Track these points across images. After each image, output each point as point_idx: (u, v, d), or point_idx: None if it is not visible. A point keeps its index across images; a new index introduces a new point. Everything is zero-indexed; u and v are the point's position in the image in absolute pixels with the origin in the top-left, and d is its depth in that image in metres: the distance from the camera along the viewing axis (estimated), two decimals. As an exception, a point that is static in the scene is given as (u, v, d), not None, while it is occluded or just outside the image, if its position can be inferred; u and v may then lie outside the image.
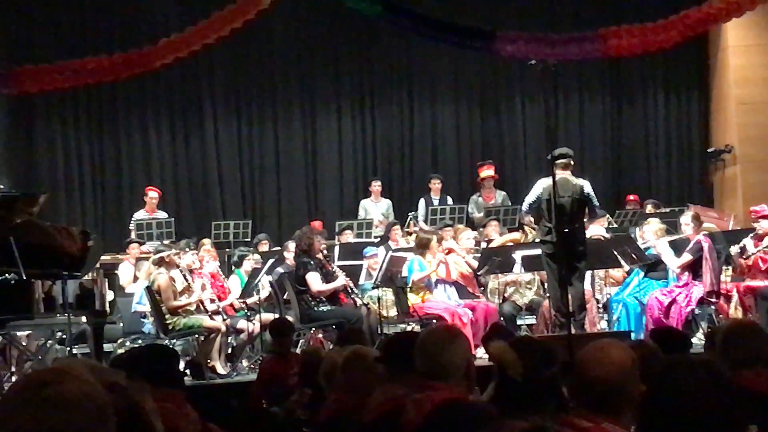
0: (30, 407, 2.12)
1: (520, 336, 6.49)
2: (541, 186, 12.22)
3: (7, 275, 10.82)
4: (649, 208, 16.91)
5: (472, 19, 16.59)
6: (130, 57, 14.53)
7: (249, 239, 16.69)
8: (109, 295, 13.51)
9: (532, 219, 13.41)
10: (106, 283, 13.40)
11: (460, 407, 4.31)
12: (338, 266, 13.51)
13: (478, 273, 13.48)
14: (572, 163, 12.32)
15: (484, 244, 14.76)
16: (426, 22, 15.02)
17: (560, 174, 11.85)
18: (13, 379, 12.07)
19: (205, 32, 14.28)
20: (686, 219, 13.26)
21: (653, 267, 13.29)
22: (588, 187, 12.27)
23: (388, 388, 5.08)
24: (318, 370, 6.82)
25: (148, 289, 12.61)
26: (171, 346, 11.63)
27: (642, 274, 13.35)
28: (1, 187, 15.58)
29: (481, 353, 11.47)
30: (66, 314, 11.62)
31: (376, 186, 18.34)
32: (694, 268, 12.70)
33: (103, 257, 14.54)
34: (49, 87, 14.79)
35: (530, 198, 12.41)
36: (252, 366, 12.92)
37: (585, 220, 12.54)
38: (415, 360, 4.78)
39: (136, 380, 5.19)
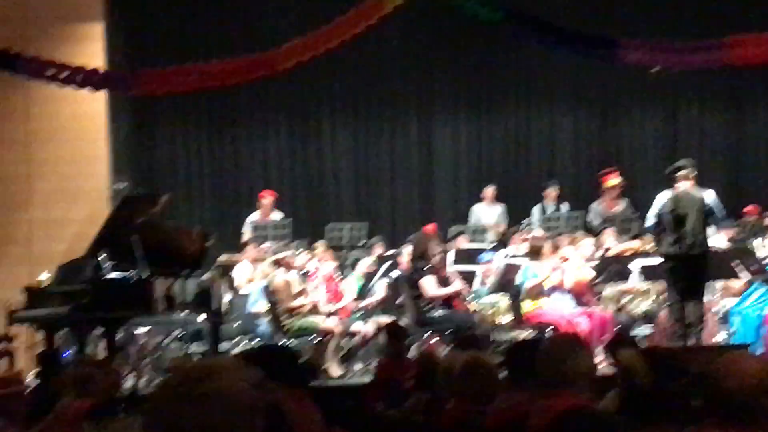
0: (188, 402, 2.16)
1: (650, 346, 6.43)
2: (661, 200, 12.14)
3: (129, 273, 11.06)
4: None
5: (594, 26, 16.46)
6: (254, 61, 14.67)
7: (364, 242, 16.75)
8: (226, 296, 13.72)
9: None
10: (223, 284, 13.62)
11: (586, 415, 4.30)
12: (453, 272, 13.51)
13: (596, 282, 13.38)
14: (692, 174, 12.17)
15: (599, 252, 14.64)
16: (547, 29, 14.91)
17: (681, 186, 11.75)
18: (132, 374, 12.32)
19: (328, 37, 14.35)
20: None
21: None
22: (709, 198, 12.13)
23: (511, 395, 5.09)
24: (434, 375, 6.84)
25: (266, 290, 12.76)
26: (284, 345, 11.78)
27: (764, 288, 13.11)
28: (125, 186, 15.92)
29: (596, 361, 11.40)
30: (184, 313, 11.86)
31: (490, 190, 18.28)
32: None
33: (220, 258, 14.76)
34: (174, 89, 15.02)
35: (652, 213, 12.35)
36: (366, 368, 12.99)
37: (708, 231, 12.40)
38: (537, 367, 4.78)
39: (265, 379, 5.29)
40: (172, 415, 2.16)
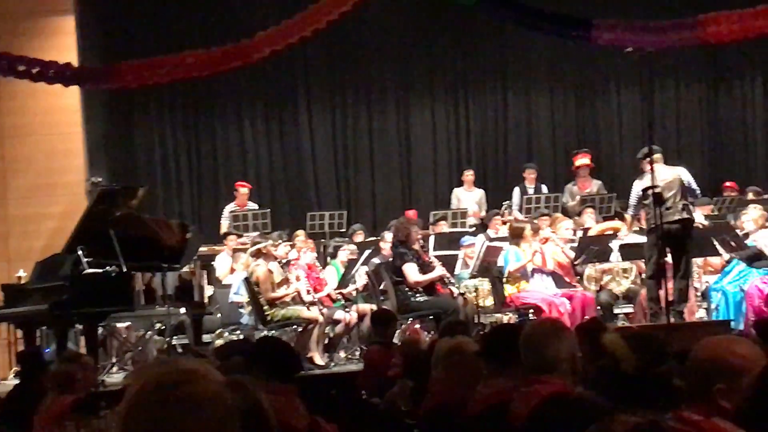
0: (164, 408, 2.14)
1: (632, 329, 6.41)
2: (638, 186, 12.20)
3: (108, 268, 11.01)
4: (750, 195, 16.63)
5: (569, 7, 16.45)
6: (228, 51, 14.60)
7: (344, 230, 16.73)
8: (208, 288, 13.69)
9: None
10: (205, 275, 13.59)
11: (569, 400, 4.29)
12: (434, 256, 13.50)
13: (575, 262, 13.41)
14: (662, 155, 12.27)
15: (579, 233, 14.66)
16: (523, 11, 14.90)
17: (655, 168, 11.81)
18: (114, 370, 12.28)
19: (302, 25, 14.29)
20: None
21: (755, 257, 13.10)
22: (686, 174, 12.19)
23: (493, 381, 5.07)
24: (418, 362, 6.82)
25: (247, 281, 12.73)
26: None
27: (743, 264, 13.15)
28: (100, 180, 15.83)
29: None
30: (165, 306, 11.82)
31: (469, 175, 18.29)
32: (795, 256, 12.52)
33: (200, 249, 14.72)
34: (149, 81, 14.93)
35: (632, 201, 12.44)
36: (349, 357, 12.99)
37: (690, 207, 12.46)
38: (519, 353, 4.77)
39: (254, 373, 5.28)
40: (149, 421, 2.14)
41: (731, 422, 3.55)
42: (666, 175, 11.87)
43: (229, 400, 2.19)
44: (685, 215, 11.85)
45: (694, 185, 12.39)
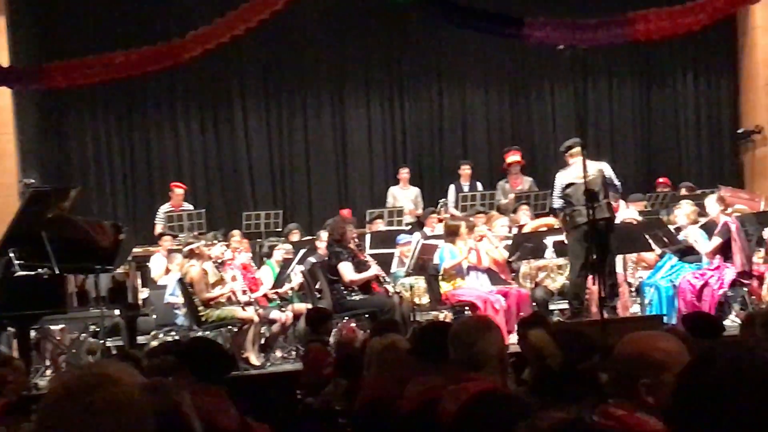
0: (77, 413, 2.12)
1: (560, 325, 6.45)
2: (561, 178, 12.28)
3: (40, 270, 10.91)
4: (683, 191, 16.84)
5: (502, 6, 16.53)
6: (159, 50, 14.50)
7: (280, 229, 16.71)
8: (143, 290, 13.60)
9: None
10: (139, 276, 13.49)
11: (497, 398, 4.32)
12: (370, 255, 13.51)
13: (510, 259, 13.46)
14: (584, 149, 12.33)
15: (515, 230, 14.73)
16: (455, 9, 14.95)
17: (578, 162, 11.91)
18: (48, 372, 12.16)
19: (234, 24, 14.23)
20: (710, 201, 13.27)
21: (687, 252, 13.25)
22: (608, 169, 12.30)
23: (423, 378, 5.09)
24: (352, 361, 6.83)
25: (181, 282, 12.66)
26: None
27: (675, 258, 13.30)
28: (33, 181, 15.68)
29: (513, 339, 11.52)
30: (99, 308, 11.72)
31: (404, 173, 18.32)
32: (724, 251, 12.66)
33: (134, 250, 14.61)
34: (79, 82, 14.78)
35: (556, 193, 12.49)
36: (285, 356, 12.97)
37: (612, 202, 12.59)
38: (448, 351, 4.79)
39: (182, 373, 5.26)
40: (62, 426, 2.13)
41: (655, 417, 3.59)
42: (589, 169, 11.93)
43: (143, 403, 2.18)
44: (605, 215, 11.93)
45: (615, 181, 12.50)
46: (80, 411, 2.13)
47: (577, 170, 11.78)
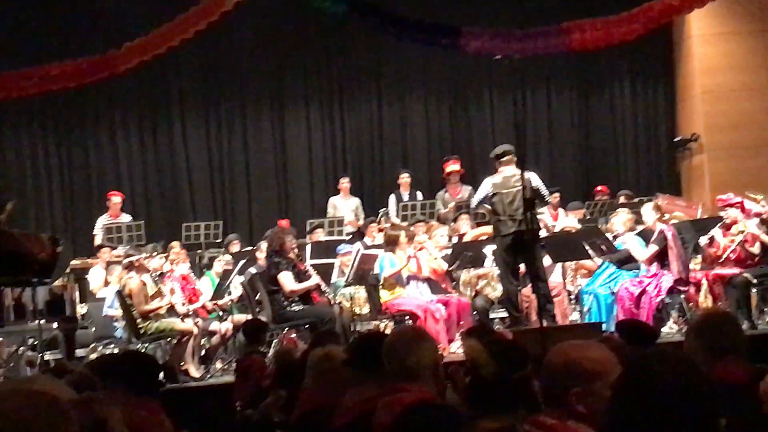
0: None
1: (495, 335, 6.47)
2: (489, 183, 12.33)
3: (-25, 283, 10.81)
4: (621, 199, 16.98)
5: (440, 16, 16.59)
6: (95, 62, 14.42)
7: (220, 240, 16.66)
8: (81, 303, 13.50)
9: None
10: (77, 289, 13.39)
11: (431, 408, 4.33)
12: (311, 265, 13.50)
13: (450, 269, 13.49)
14: (515, 158, 12.39)
15: (455, 239, 14.78)
16: (391, 20, 15.01)
17: (507, 170, 11.98)
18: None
19: (169, 35, 14.18)
20: (647, 209, 13.41)
21: (625, 260, 13.36)
22: (536, 179, 12.35)
23: (359, 390, 5.09)
24: (291, 372, 6.82)
25: (119, 294, 12.57)
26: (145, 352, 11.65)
27: (614, 266, 13.40)
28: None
29: (455, 348, 11.57)
30: (37, 321, 11.60)
31: (345, 183, 18.33)
32: (661, 258, 12.78)
33: (73, 262, 14.50)
34: (15, 94, 14.65)
35: (479, 195, 12.56)
36: (225, 368, 12.91)
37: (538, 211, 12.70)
38: (384, 362, 4.80)
39: (114, 387, 5.22)
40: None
41: (586, 426, 3.61)
42: (518, 178, 11.95)
43: (68, 419, 2.16)
44: (530, 228, 11.98)
45: (543, 190, 12.57)
46: (4, 428, 2.11)
47: (506, 178, 11.88)
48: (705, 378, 3.08)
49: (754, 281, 12.51)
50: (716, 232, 12.94)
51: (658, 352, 3.26)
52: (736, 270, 12.67)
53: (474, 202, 13.05)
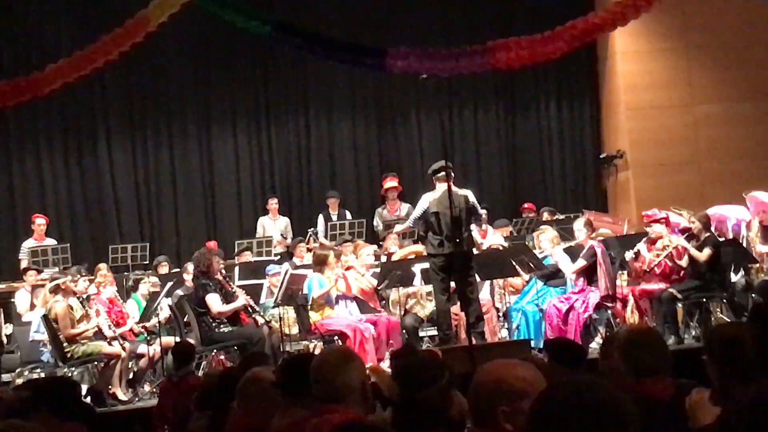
0: None
1: (418, 355, 6.46)
2: (426, 201, 12.32)
3: None
4: (545, 216, 17.11)
5: (366, 35, 16.65)
6: (17, 84, 14.26)
7: (147, 262, 16.55)
8: (6, 326, 13.32)
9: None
10: (2, 313, 13.22)
11: (358, 429, 4.31)
12: (239, 286, 13.43)
13: (379, 288, 13.50)
14: (452, 174, 12.37)
15: (384, 258, 14.79)
16: (316, 40, 15.02)
17: (443, 187, 11.99)
18: None
19: (93, 56, 14.07)
20: (578, 225, 13.50)
21: (552, 276, 13.46)
22: (472, 197, 12.38)
23: (287, 412, 5.07)
24: (217, 394, 6.77)
25: (45, 318, 12.41)
26: (71, 376, 11.53)
27: (540, 283, 13.49)
28: None
29: (384, 367, 11.51)
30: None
31: (273, 204, 18.31)
32: (589, 274, 12.89)
33: (-2, 287, 14.33)
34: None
35: (416, 213, 12.53)
36: (154, 390, 12.79)
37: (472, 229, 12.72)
38: (312, 383, 4.78)
39: (40, 413, 5.15)
40: None
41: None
42: (454, 197, 11.98)
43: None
44: (463, 248, 12.00)
45: (479, 209, 12.61)
46: None
47: (443, 195, 11.88)
48: (624, 398, 3.09)
49: (680, 296, 12.65)
50: (641, 246, 13.07)
51: (572, 375, 3.27)
52: (662, 285, 12.80)
53: (410, 221, 13.03)
